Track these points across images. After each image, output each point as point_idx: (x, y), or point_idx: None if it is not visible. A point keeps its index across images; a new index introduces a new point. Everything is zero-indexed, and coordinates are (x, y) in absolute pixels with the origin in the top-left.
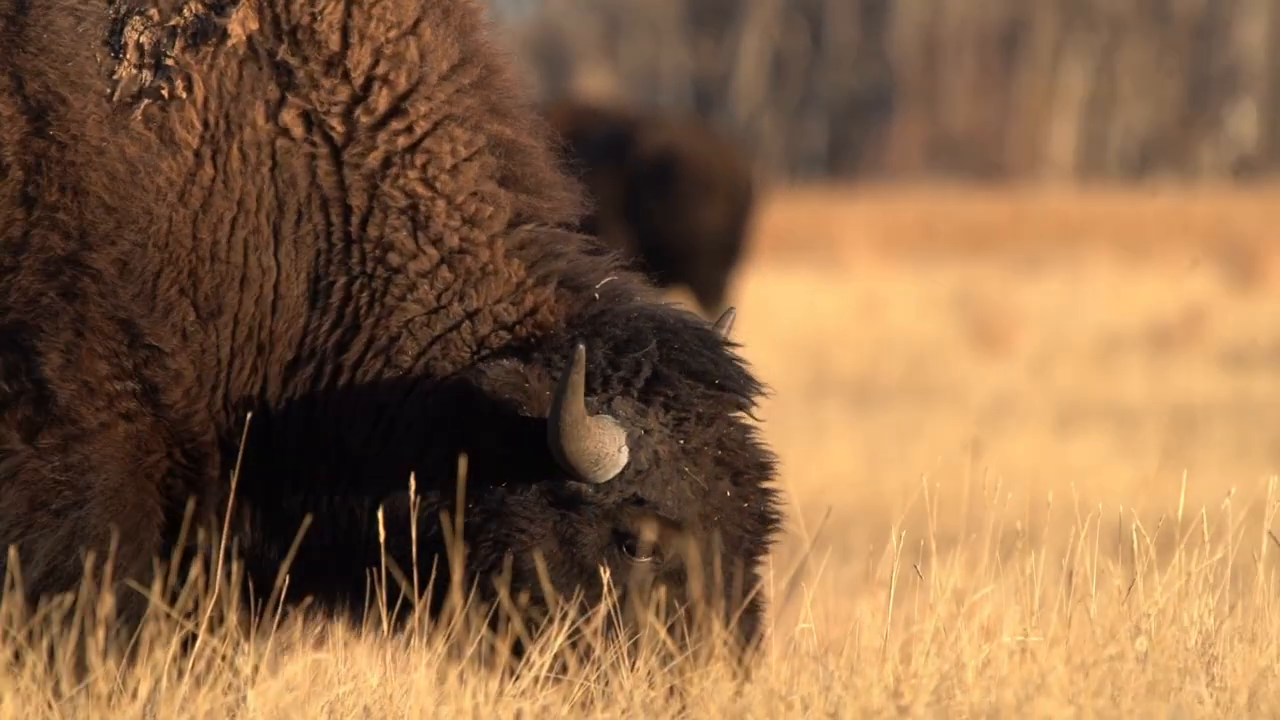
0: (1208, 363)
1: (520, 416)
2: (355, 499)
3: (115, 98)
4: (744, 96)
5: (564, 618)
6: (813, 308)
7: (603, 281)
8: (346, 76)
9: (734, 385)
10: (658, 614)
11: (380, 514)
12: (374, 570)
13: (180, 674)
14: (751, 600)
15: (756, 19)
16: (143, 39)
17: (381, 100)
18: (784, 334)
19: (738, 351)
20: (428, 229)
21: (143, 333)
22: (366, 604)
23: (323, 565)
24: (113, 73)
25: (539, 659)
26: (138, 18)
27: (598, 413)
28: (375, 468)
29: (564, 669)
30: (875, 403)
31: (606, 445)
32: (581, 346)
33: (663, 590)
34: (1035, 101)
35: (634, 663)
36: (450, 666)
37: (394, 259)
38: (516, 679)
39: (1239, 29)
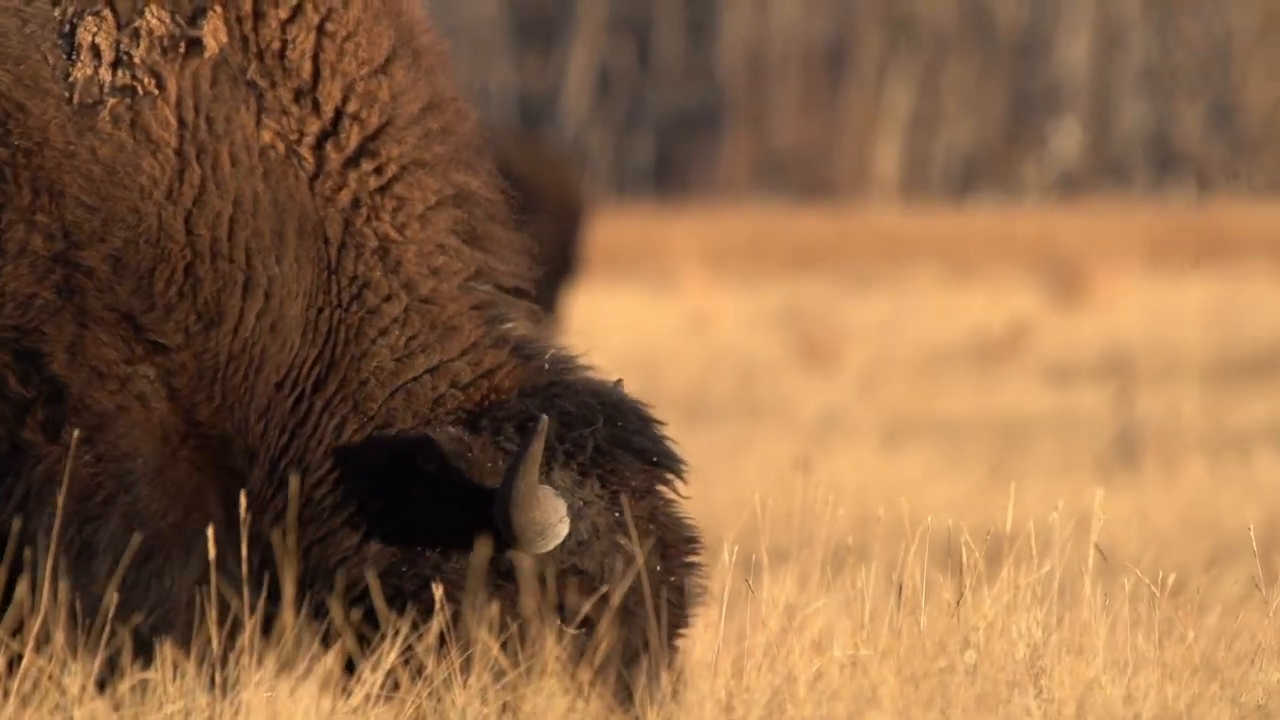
0: (1032, 377)
1: (461, 484)
2: (312, 528)
3: (75, 100)
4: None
5: (395, 635)
6: (642, 324)
7: (550, 353)
8: (317, 108)
9: (668, 462)
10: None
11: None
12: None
13: (6, 694)
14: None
15: (584, 35)
16: (98, 40)
17: (352, 138)
18: (614, 350)
19: (668, 436)
20: (399, 273)
21: (145, 327)
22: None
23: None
24: (68, 75)
25: (370, 675)
26: (90, 18)
27: (540, 483)
28: (323, 505)
29: (395, 686)
30: (705, 419)
31: (551, 516)
32: (545, 419)
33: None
34: (860, 119)
35: (467, 679)
36: (282, 683)
37: (370, 298)
38: (348, 696)
39: (1061, 47)
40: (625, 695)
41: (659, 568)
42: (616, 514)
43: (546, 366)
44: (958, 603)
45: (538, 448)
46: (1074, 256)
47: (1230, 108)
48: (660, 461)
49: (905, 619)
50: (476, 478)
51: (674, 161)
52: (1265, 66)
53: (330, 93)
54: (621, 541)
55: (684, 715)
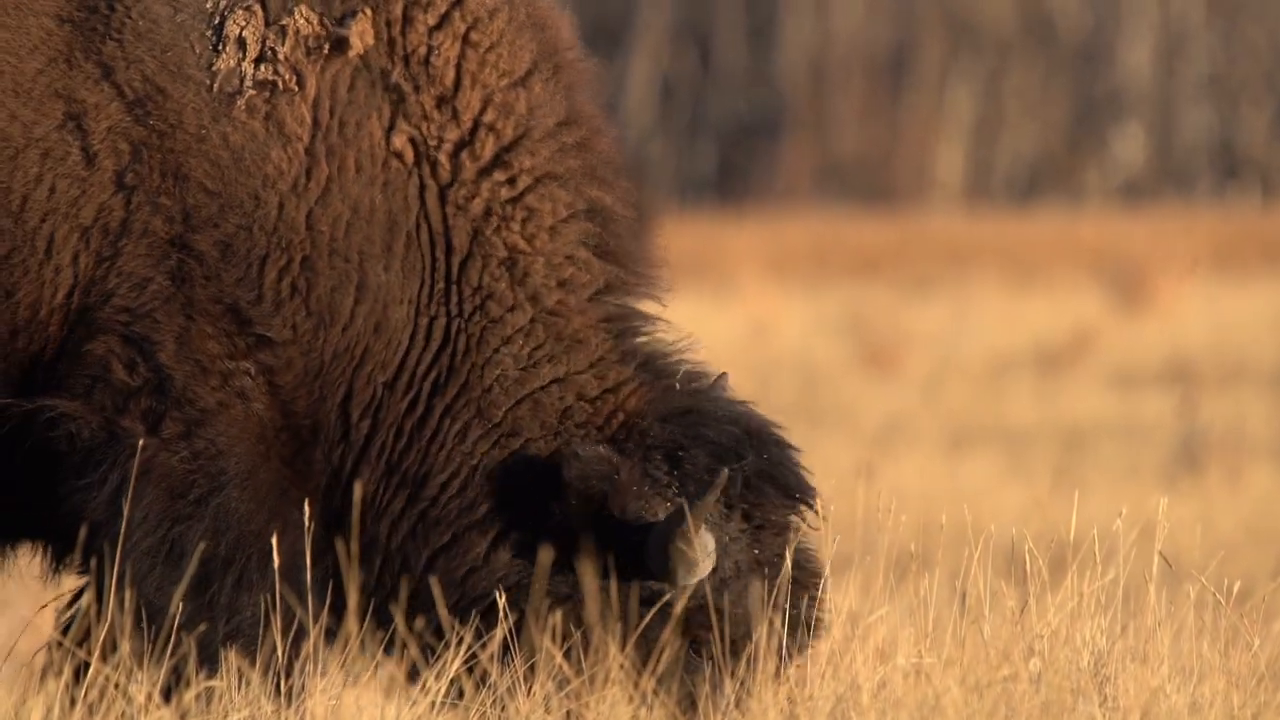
0: (1096, 384)
1: (602, 505)
2: (417, 539)
3: (215, 88)
4: (633, 120)
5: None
6: (704, 331)
7: (681, 371)
8: (456, 117)
9: (807, 496)
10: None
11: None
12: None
13: (73, 702)
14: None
15: (646, 43)
16: (245, 34)
17: (487, 148)
18: None
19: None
20: (525, 284)
21: (251, 320)
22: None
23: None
24: (212, 64)
25: (434, 684)
26: (241, 12)
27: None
28: (442, 512)
29: (460, 694)
30: None
31: (701, 553)
32: (725, 472)
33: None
34: (922, 125)
35: (530, 688)
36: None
37: (494, 309)
38: (412, 704)
39: (1124, 52)
40: (689, 704)
41: (788, 603)
42: (756, 550)
43: (678, 386)
44: (1021, 611)
45: (712, 498)
46: (1137, 263)
47: None
48: (801, 496)
49: (969, 627)
50: (620, 501)
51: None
52: None
53: (470, 102)
54: (758, 581)
55: None
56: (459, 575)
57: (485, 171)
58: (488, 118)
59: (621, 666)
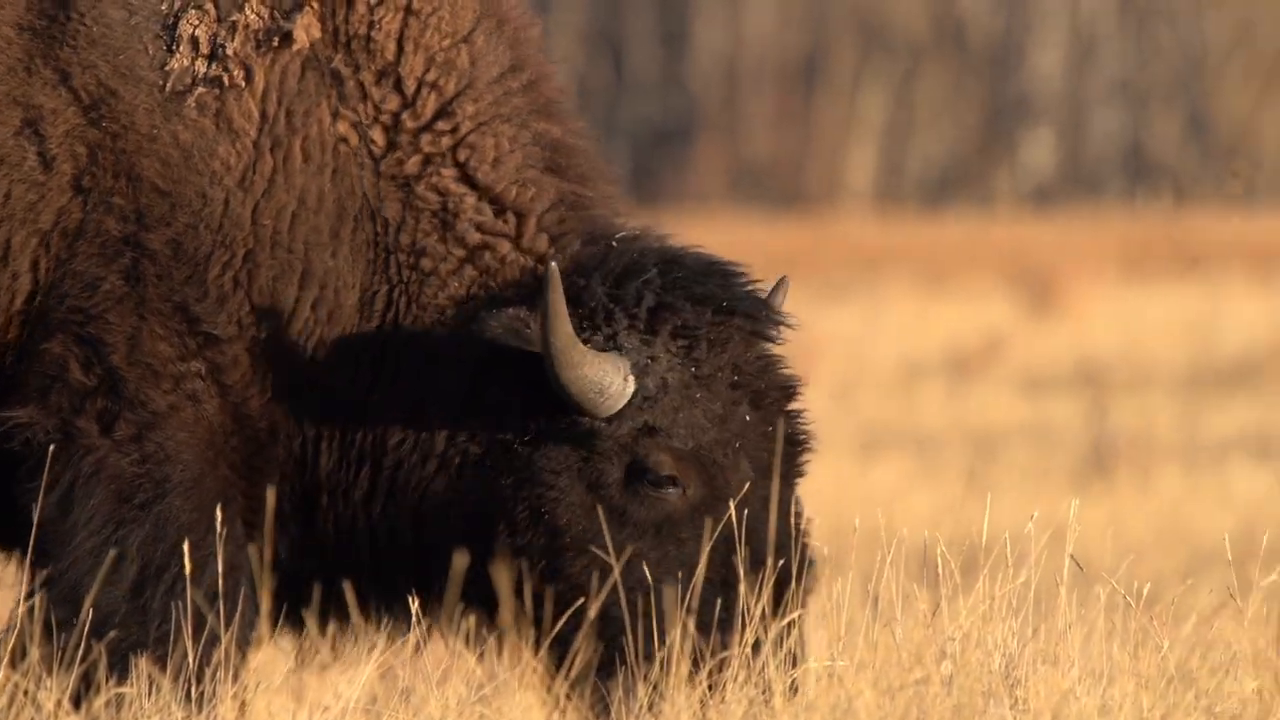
0: (1007, 388)
1: (525, 361)
2: (389, 509)
3: (167, 88)
4: None
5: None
6: None
7: (622, 233)
8: (399, 85)
9: (745, 308)
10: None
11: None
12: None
13: None
14: (795, 523)
15: (558, 47)
16: (198, 32)
17: (429, 105)
18: None
19: (749, 280)
20: (454, 228)
21: (198, 318)
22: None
23: (359, 575)
24: (164, 64)
25: (347, 690)
26: (194, 11)
27: (604, 348)
28: (407, 475)
29: (372, 698)
30: None
31: (609, 374)
32: (553, 265)
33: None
34: (834, 129)
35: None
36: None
37: (426, 263)
38: (324, 710)
39: (1035, 56)
40: (602, 708)
41: (749, 418)
42: (694, 369)
43: (614, 244)
44: (933, 614)
45: (554, 296)
46: (1047, 267)
47: (1205, 118)
48: (734, 306)
49: (881, 630)
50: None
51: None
52: (1239, 76)
53: (412, 67)
54: (698, 395)
55: None
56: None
57: (426, 127)
58: (430, 77)
59: (534, 670)
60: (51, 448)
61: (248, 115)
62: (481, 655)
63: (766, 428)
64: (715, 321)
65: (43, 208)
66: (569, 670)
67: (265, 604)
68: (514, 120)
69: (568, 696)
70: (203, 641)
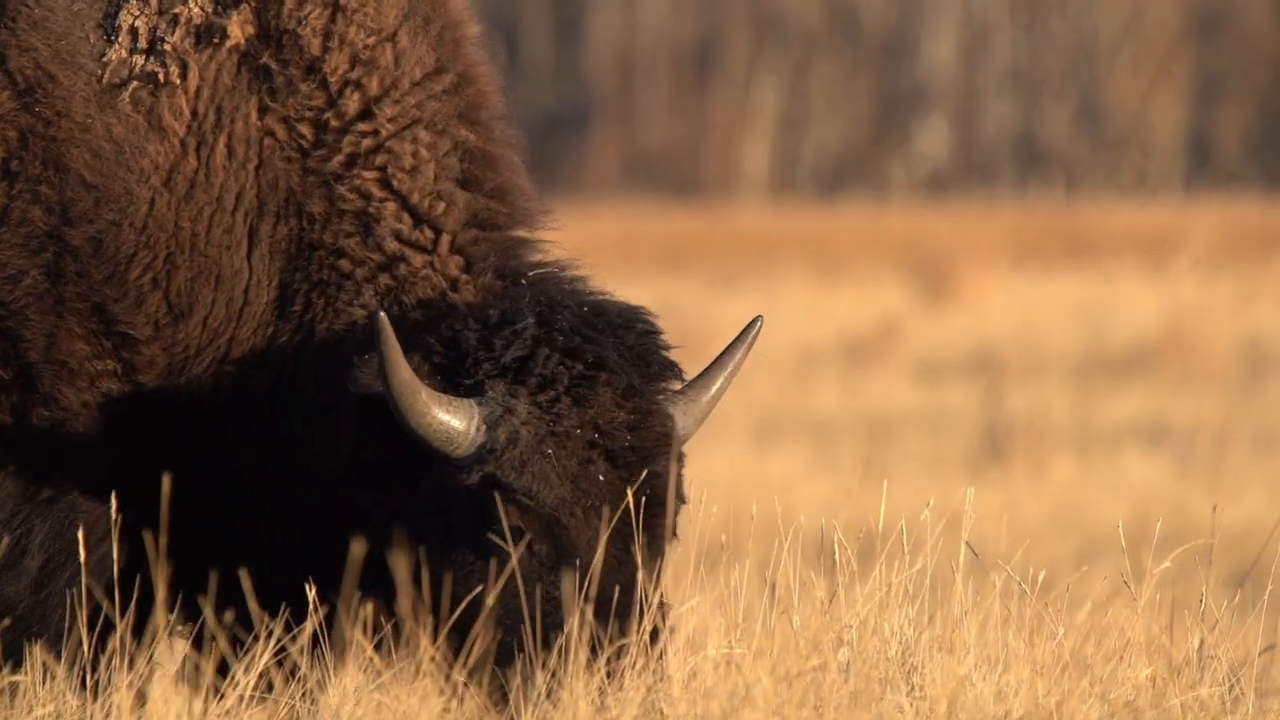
0: (902, 375)
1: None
2: (294, 508)
3: (105, 79)
4: None
5: (269, 636)
6: None
7: (534, 271)
8: (324, 83)
9: (617, 365)
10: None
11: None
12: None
13: None
14: (625, 591)
15: None
16: (138, 24)
17: (352, 104)
18: None
19: (644, 332)
20: (374, 232)
21: (115, 317)
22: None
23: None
24: (103, 54)
25: (244, 677)
26: (135, 2)
27: (469, 394)
28: (316, 473)
29: (269, 687)
30: None
31: (456, 421)
32: (381, 315)
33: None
34: (729, 119)
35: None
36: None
37: (345, 265)
38: (221, 698)
39: (928, 45)
40: (500, 696)
41: (603, 477)
42: (551, 424)
43: (523, 282)
44: (830, 601)
45: (386, 346)
46: (941, 255)
47: (1096, 107)
48: (605, 362)
49: (779, 617)
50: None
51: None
52: (1130, 65)
53: (337, 65)
54: (549, 451)
55: (559, 715)
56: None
57: (348, 127)
58: (354, 75)
59: (433, 659)
60: None
61: (178, 113)
62: (379, 644)
63: (622, 486)
64: (581, 376)
65: None
66: (466, 658)
67: (161, 593)
68: (434, 126)
69: (465, 684)
70: (97, 630)
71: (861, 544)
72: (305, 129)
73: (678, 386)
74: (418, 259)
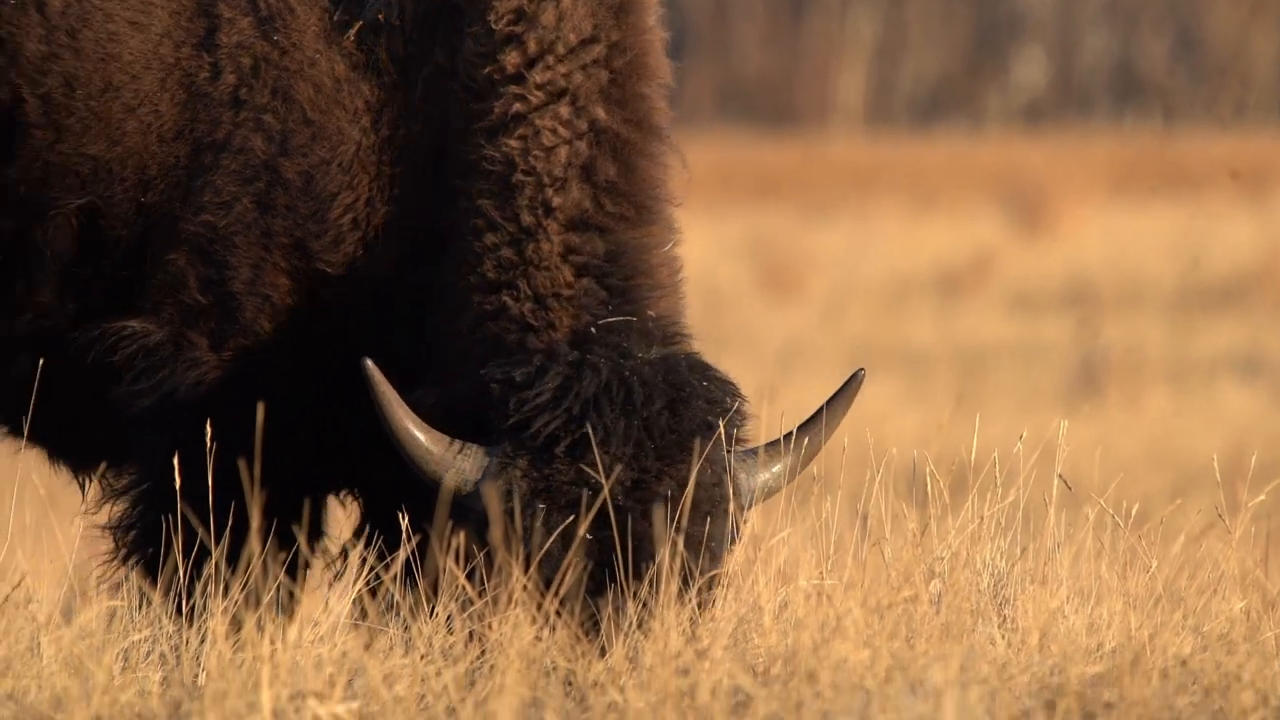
0: (996, 307)
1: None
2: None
3: (336, 16)
4: None
5: (363, 564)
6: None
7: (606, 320)
8: (490, 31)
9: (621, 434)
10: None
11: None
12: (168, 517)
13: None
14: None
15: None
16: None
17: (510, 61)
18: None
19: (685, 399)
20: (513, 202)
21: (316, 255)
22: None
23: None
24: None
25: (337, 605)
26: None
27: (491, 440)
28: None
29: (363, 615)
30: None
31: (452, 468)
32: (369, 363)
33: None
34: (824, 48)
35: (433, 609)
36: (247, 613)
37: (482, 223)
38: (315, 625)
39: None
40: (591, 625)
41: (590, 538)
42: (546, 480)
43: (593, 331)
44: (922, 533)
45: (378, 393)
46: (1037, 186)
47: (1194, 37)
48: (605, 432)
49: (870, 549)
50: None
51: None
52: None
53: (503, 12)
54: (540, 505)
55: (649, 645)
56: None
57: (503, 86)
58: (517, 29)
59: (524, 588)
60: (160, 356)
61: (395, 55)
62: (471, 573)
63: (611, 549)
64: (582, 442)
65: (202, 116)
66: (558, 588)
67: (256, 521)
68: (575, 101)
69: (557, 614)
70: (192, 557)
71: (954, 476)
72: (474, 76)
73: (727, 451)
74: (545, 245)
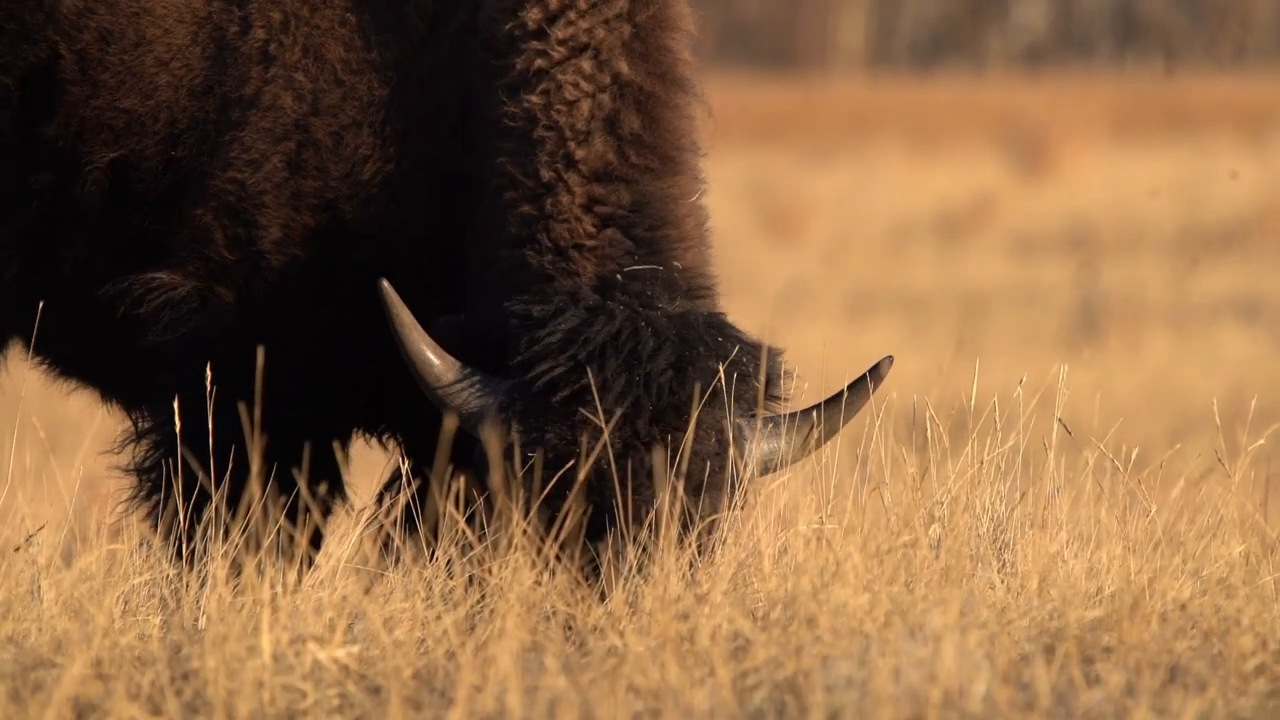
0: (997, 251)
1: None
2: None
3: None
4: None
5: (362, 512)
6: None
7: (632, 268)
8: None
9: (620, 389)
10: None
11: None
12: (169, 461)
13: None
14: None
15: None
16: None
17: (532, 16)
18: None
19: (698, 357)
20: (534, 157)
21: (346, 216)
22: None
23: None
24: None
25: (338, 549)
26: None
27: (503, 376)
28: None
29: (364, 560)
30: None
31: (461, 394)
32: (384, 283)
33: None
34: None
35: (433, 553)
36: (248, 557)
37: (503, 181)
38: (315, 568)
39: None
40: (591, 569)
41: (572, 490)
42: (541, 423)
43: (620, 278)
44: (922, 477)
45: (395, 314)
46: (1038, 129)
47: None
48: (603, 385)
49: (870, 493)
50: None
51: None
52: None
53: None
54: (532, 453)
55: (649, 589)
56: None
57: (525, 38)
58: None
59: (524, 532)
60: (186, 309)
61: (423, 12)
62: (471, 518)
63: (593, 505)
64: (581, 391)
65: (231, 72)
66: (558, 532)
67: (256, 465)
68: (598, 55)
69: (557, 558)
70: (193, 500)
71: (953, 420)
72: (495, 32)
73: (734, 414)
74: (565, 198)
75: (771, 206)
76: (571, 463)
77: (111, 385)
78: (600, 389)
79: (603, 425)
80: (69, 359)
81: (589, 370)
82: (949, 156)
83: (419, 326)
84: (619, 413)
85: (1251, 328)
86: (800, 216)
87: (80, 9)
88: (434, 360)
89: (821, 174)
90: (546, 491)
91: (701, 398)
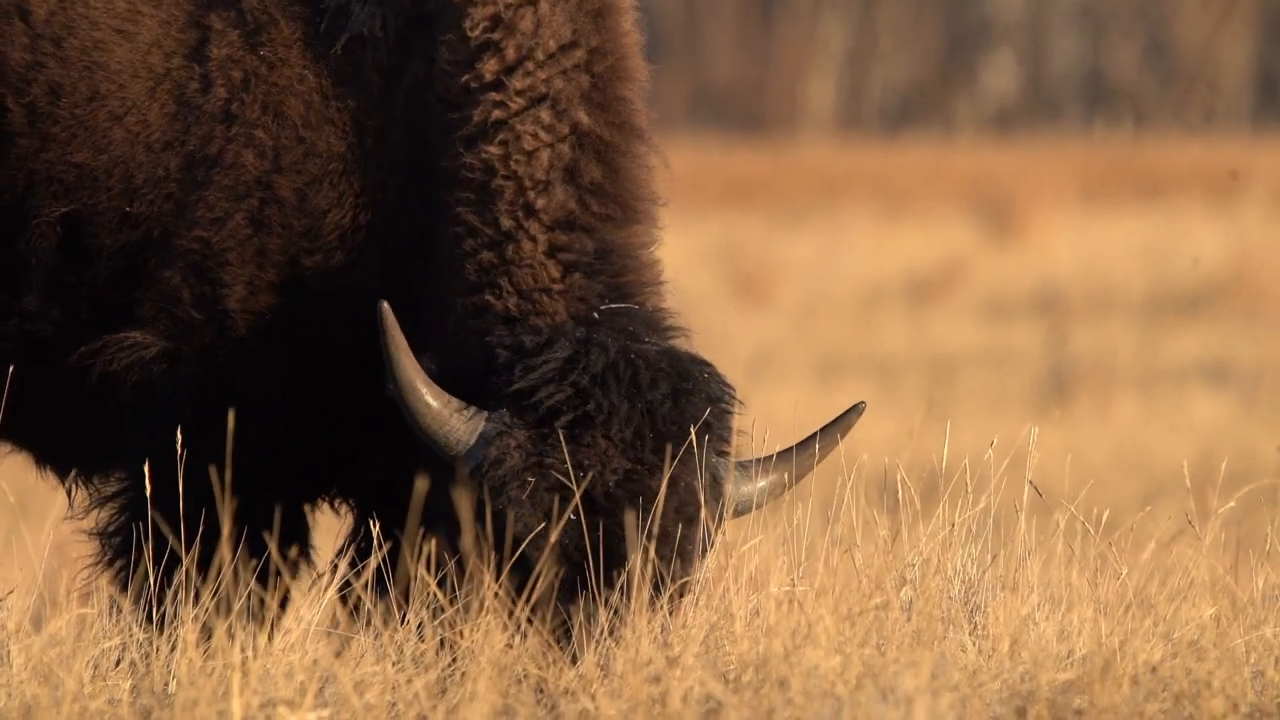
0: (966, 314)
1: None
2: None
3: (323, 27)
4: None
5: (333, 571)
6: None
7: (609, 306)
8: (466, 38)
9: (623, 416)
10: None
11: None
12: (139, 525)
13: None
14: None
15: None
16: None
17: (489, 68)
18: None
19: (687, 392)
20: (493, 206)
21: (306, 270)
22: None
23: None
24: (322, 2)
25: (309, 613)
26: None
27: (489, 406)
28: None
29: (335, 624)
30: None
31: (449, 426)
32: (384, 304)
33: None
34: (795, 54)
35: (404, 616)
36: (218, 621)
37: (461, 231)
38: (285, 633)
39: None
40: (562, 632)
41: (575, 518)
42: (540, 455)
43: (596, 316)
44: (893, 540)
45: (388, 340)
46: (1007, 193)
47: (1164, 43)
48: (607, 411)
49: (842, 556)
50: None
51: None
52: (1198, 1)
53: (479, 20)
54: (530, 479)
55: (621, 652)
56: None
57: (483, 91)
58: (494, 35)
59: (496, 595)
60: (155, 369)
61: (379, 68)
62: (442, 580)
63: (594, 534)
64: (583, 418)
65: (195, 130)
66: (530, 594)
67: (226, 528)
68: (556, 106)
69: (529, 621)
70: (163, 565)
71: (925, 483)
72: (450, 85)
73: (718, 449)
74: (526, 246)
75: (741, 269)
76: (558, 498)
77: (54, 448)
78: (604, 417)
79: (612, 450)
80: (9, 418)
81: (592, 398)
82: (919, 220)
83: (411, 354)
84: (626, 439)
85: (1220, 392)
86: (770, 279)
87: (29, 62)
88: (422, 388)
89: (792, 237)
90: (560, 519)
91: (695, 428)
